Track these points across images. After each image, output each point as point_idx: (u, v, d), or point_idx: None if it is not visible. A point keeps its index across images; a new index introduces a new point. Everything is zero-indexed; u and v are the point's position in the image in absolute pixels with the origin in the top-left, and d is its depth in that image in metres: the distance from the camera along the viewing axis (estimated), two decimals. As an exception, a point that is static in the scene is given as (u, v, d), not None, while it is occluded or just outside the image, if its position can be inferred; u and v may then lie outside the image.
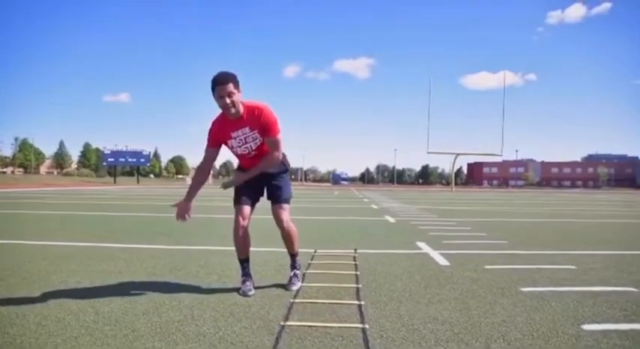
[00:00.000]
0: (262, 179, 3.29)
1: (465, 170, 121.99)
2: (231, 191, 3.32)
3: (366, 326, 2.47)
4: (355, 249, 4.99)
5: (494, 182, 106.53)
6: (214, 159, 3.27)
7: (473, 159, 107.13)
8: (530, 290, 3.33)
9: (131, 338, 2.28)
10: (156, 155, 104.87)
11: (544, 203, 19.04)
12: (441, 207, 14.78)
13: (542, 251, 5.26)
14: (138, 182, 59.35)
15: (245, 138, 3.13)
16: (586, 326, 2.54)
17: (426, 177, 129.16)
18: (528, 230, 7.88)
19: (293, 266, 3.47)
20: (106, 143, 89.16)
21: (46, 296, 3.01)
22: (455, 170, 51.39)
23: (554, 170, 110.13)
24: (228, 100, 2.95)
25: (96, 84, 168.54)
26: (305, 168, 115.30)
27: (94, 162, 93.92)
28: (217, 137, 3.16)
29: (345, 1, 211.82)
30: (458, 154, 42.70)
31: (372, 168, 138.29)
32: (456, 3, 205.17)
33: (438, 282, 3.58)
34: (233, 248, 3.32)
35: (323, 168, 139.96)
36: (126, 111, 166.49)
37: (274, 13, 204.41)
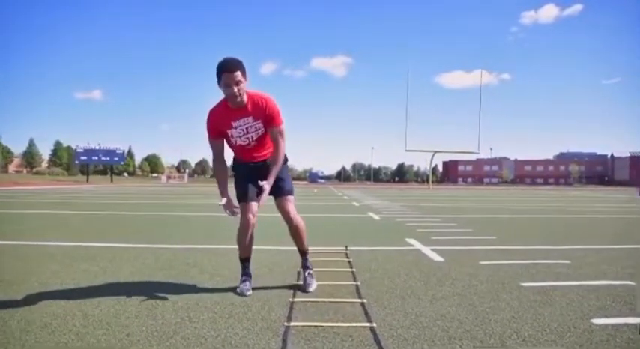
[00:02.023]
0: (261, 172, 3.09)
1: (440, 168, 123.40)
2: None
3: (374, 324, 2.36)
4: (346, 246, 4.88)
5: (469, 180, 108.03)
6: (223, 148, 3.13)
7: (448, 158, 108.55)
8: (530, 285, 3.28)
9: (126, 342, 2.12)
10: (130, 153, 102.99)
11: (522, 199, 19.29)
12: (421, 204, 14.81)
13: (533, 246, 5.25)
14: (112, 181, 58.17)
15: (247, 128, 3.00)
16: (596, 321, 2.49)
17: (402, 175, 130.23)
18: (514, 225, 7.91)
19: (305, 266, 3.26)
20: (78, 141, 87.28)
21: (27, 300, 2.82)
22: (431, 168, 51.78)
23: (528, 168, 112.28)
24: (235, 89, 2.83)
25: (67, 80, 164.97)
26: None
27: (66, 161, 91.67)
28: (217, 126, 3.02)
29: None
30: (435, 152, 43.07)
31: (349, 167, 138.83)
32: (433, 2, 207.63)
33: (437, 278, 3.50)
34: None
35: (299, 167, 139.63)
36: (98, 108, 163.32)
37: (251, 10, 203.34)
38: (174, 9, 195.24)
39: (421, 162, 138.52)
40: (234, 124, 2.99)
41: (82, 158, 60.73)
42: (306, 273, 3.22)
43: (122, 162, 71.06)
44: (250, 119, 2.98)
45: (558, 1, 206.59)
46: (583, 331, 2.33)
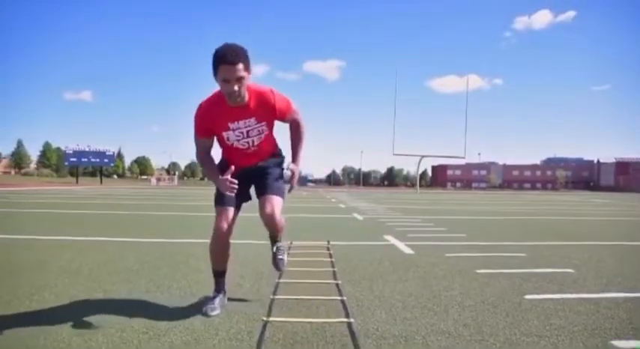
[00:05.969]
0: (252, 177, 2.74)
1: (429, 172, 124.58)
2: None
3: (345, 298, 2.88)
4: (328, 241, 5.39)
5: (458, 184, 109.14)
6: (211, 146, 2.61)
7: (437, 162, 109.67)
8: (484, 272, 3.82)
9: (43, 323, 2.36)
10: (119, 155, 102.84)
11: (504, 203, 19.88)
12: (406, 206, 15.35)
13: (498, 242, 5.81)
14: (101, 182, 58.15)
15: (248, 131, 2.53)
16: (528, 296, 3.03)
17: (391, 178, 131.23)
18: (487, 225, 8.47)
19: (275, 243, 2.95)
20: (67, 142, 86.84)
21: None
22: (420, 172, 52.58)
23: (515, 173, 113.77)
24: (235, 87, 2.30)
25: (57, 81, 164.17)
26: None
27: (55, 162, 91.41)
28: (208, 126, 2.51)
29: (315, 2, 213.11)
30: (423, 156, 43.77)
31: (338, 170, 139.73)
32: (425, 5, 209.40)
33: (404, 266, 4.03)
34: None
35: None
36: (88, 109, 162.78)
37: (243, 12, 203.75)
38: (167, 10, 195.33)
39: (411, 166, 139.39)
40: (231, 126, 2.50)
41: (72, 160, 60.53)
42: (274, 248, 2.95)
43: (112, 164, 70.93)
44: (253, 120, 2.51)
45: (552, 6, 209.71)
46: (514, 303, 2.87)
